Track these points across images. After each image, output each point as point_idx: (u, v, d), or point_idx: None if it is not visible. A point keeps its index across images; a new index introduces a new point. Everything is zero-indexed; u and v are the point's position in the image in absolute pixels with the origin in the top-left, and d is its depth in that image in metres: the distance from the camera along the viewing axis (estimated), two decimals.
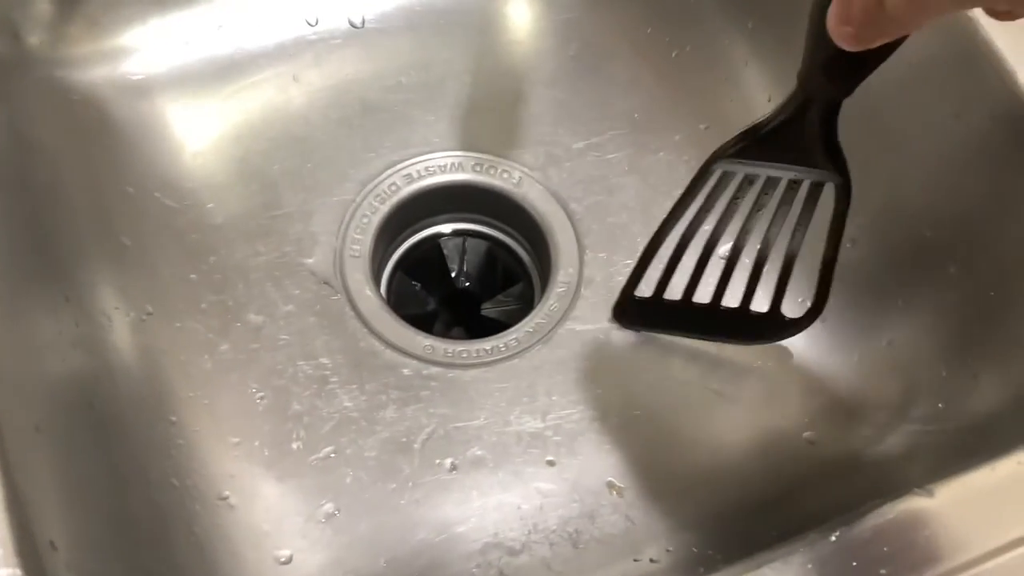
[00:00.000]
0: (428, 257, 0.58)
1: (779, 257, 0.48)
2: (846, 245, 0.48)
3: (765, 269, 0.49)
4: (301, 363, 0.51)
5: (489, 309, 0.58)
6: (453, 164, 0.57)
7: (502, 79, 0.60)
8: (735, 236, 0.49)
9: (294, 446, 0.49)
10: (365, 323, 0.52)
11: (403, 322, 0.53)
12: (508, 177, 0.57)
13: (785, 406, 0.51)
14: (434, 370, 0.52)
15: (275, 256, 0.54)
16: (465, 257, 0.59)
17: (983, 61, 0.46)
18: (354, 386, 0.51)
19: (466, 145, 0.57)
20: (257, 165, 0.56)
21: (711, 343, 0.53)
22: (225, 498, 0.48)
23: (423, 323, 0.55)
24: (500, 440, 0.50)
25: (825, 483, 0.48)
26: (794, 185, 0.46)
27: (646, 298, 0.51)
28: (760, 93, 0.57)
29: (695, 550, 0.47)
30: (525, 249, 0.58)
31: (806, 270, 0.49)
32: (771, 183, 0.46)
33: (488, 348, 0.52)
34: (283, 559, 0.47)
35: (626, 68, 0.60)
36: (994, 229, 0.48)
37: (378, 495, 0.48)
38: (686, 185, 0.47)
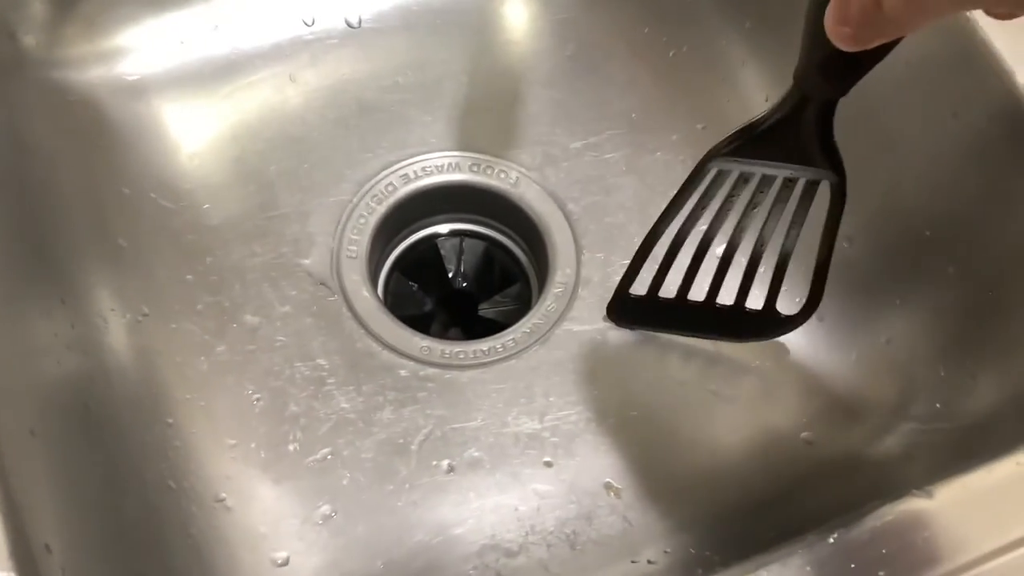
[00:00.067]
0: (425, 258, 0.58)
1: (774, 255, 0.48)
2: (844, 244, 0.48)
3: (760, 267, 0.49)
4: (298, 364, 0.51)
5: (486, 310, 0.57)
6: (450, 164, 0.57)
7: (499, 79, 0.60)
8: (730, 234, 0.48)
9: (291, 448, 0.49)
10: (362, 324, 0.52)
11: (400, 323, 0.53)
12: (505, 177, 0.57)
13: (783, 406, 0.51)
14: (431, 371, 0.51)
15: (272, 257, 0.54)
16: (462, 257, 0.59)
17: (981, 60, 0.46)
18: (351, 387, 0.51)
19: (463, 145, 0.57)
20: (253, 166, 0.56)
21: (708, 343, 0.53)
22: (222, 500, 0.48)
23: (420, 324, 0.55)
24: (497, 441, 0.50)
25: (823, 483, 0.48)
26: (789, 183, 0.46)
27: (641, 296, 0.51)
28: (758, 93, 0.57)
29: (693, 551, 0.47)
30: (522, 249, 0.58)
31: (802, 268, 0.48)
32: (766, 181, 0.46)
33: (485, 349, 0.52)
34: (280, 561, 0.47)
35: (623, 68, 0.60)
36: (992, 228, 0.48)
37: (375, 497, 0.48)
38: (681, 183, 0.47)
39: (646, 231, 0.49)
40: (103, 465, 0.46)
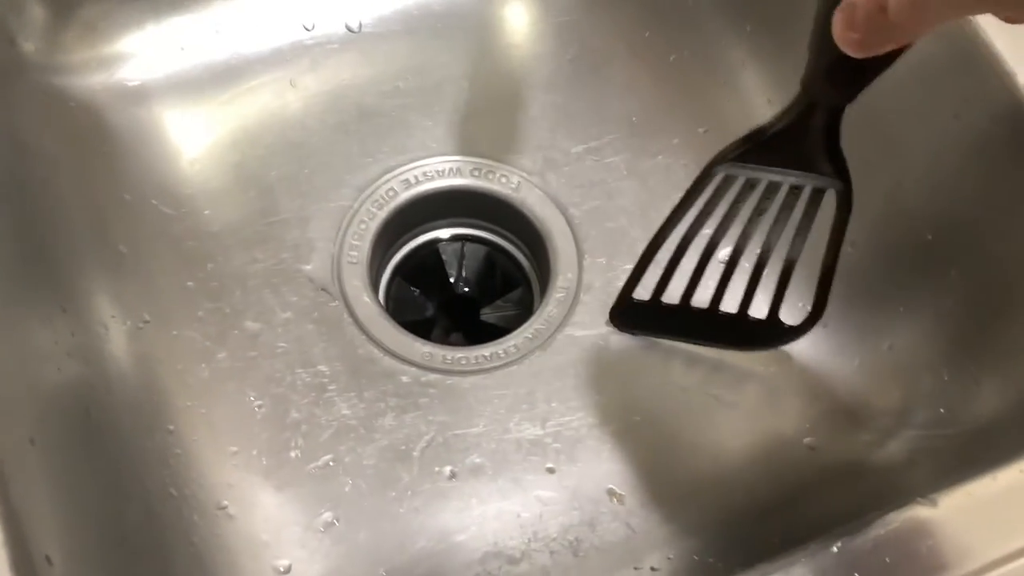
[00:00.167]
0: (426, 263, 0.58)
1: (779, 263, 0.48)
2: (847, 248, 0.48)
3: (764, 275, 0.49)
4: (299, 371, 0.51)
5: (488, 314, 0.57)
6: (451, 169, 0.57)
7: (500, 83, 0.60)
8: (735, 241, 0.48)
9: (292, 455, 0.49)
10: (363, 330, 0.52)
11: (401, 329, 0.52)
12: (506, 182, 0.57)
13: (786, 412, 0.51)
14: (433, 377, 0.51)
15: (272, 263, 0.53)
16: (464, 262, 0.58)
17: (983, 62, 0.46)
18: (352, 394, 0.51)
19: (464, 150, 0.57)
20: (254, 171, 0.56)
21: (711, 348, 0.52)
22: (223, 508, 0.48)
23: (422, 329, 0.55)
24: (499, 447, 0.50)
25: (827, 489, 0.48)
26: (795, 190, 0.46)
27: (644, 301, 0.51)
28: (759, 96, 0.57)
29: (696, 558, 0.47)
30: (524, 254, 0.58)
31: (806, 276, 0.48)
32: (772, 188, 0.46)
33: (487, 355, 0.52)
34: (282, 569, 0.47)
35: (624, 71, 0.60)
36: (995, 231, 0.48)
37: (377, 504, 0.48)
38: (687, 188, 0.47)
39: (648, 235, 0.49)
40: (104, 473, 0.46)
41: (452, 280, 0.58)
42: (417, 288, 0.58)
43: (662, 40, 0.60)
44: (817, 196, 0.46)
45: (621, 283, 0.52)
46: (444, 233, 0.58)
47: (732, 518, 0.48)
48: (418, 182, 0.56)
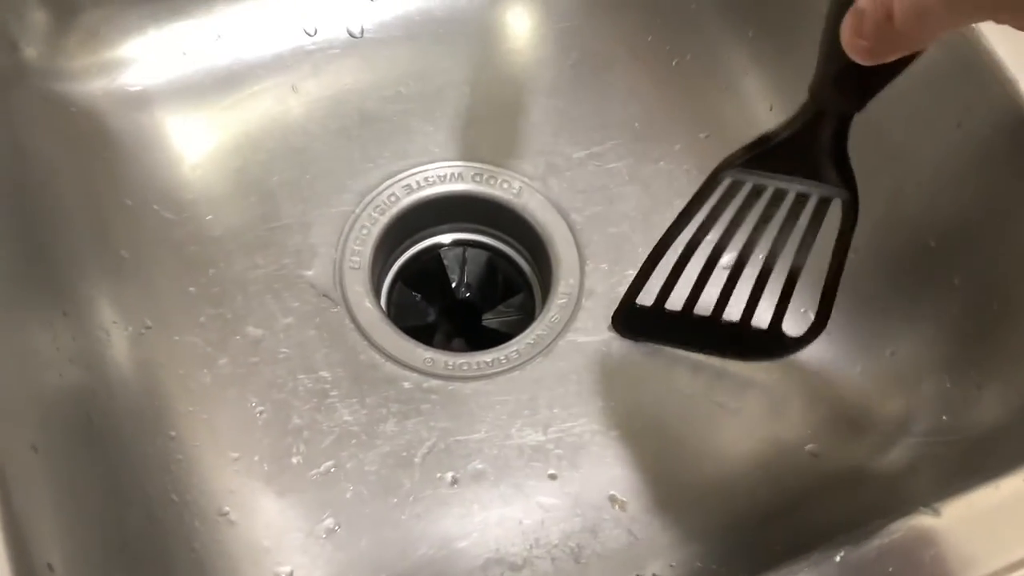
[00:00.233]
0: (428, 268, 0.58)
1: (783, 273, 0.48)
2: (848, 254, 0.48)
3: (768, 284, 0.49)
4: (301, 376, 0.51)
5: (490, 320, 0.57)
6: (453, 174, 0.57)
7: (501, 88, 0.60)
8: (739, 249, 0.48)
9: (294, 460, 0.49)
10: (365, 335, 0.52)
11: (403, 334, 0.52)
12: (508, 187, 0.57)
13: (788, 418, 0.51)
14: (434, 383, 0.51)
15: (274, 268, 0.53)
16: (465, 267, 0.58)
17: (984, 70, 0.46)
18: (354, 399, 0.50)
19: (466, 155, 0.57)
20: (256, 176, 0.56)
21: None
22: (225, 514, 0.47)
23: (424, 334, 0.55)
24: (501, 454, 0.50)
25: (829, 496, 0.48)
26: (802, 199, 0.45)
27: (646, 307, 0.51)
28: (761, 102, 0.57)
29: (699, 565, 0.47)
30: (526, 259, 0.58)
31: (809, 286, 0.48)
32: (778, 195, 0.45)
33: (489, 360, 0.52)
34: (283, 575, 0.47)
35: (626, 77, 0.60)
36: (997, 238, 0.48)
37: (379, 510, 0.48)
38: (693, 193, 0.47)
39: (650, 241, 0.49)
40: (105, 479, 0.46)
41: (454, 285, 0.58)
42: (419, 293, 0.58)
43: (664, 45, 0.60)
44: (823, 205, 0.45)
45: (623, 289, 0.52)
46: (446, 238, 0.58)
47: (735, 525, 0.48)
48: (420, 187, 0.56)
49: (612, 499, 0.49)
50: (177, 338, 0.51)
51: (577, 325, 0.53)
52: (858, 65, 0.35)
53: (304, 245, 0.54)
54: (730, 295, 0.49)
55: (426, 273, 0.58)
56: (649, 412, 0.51)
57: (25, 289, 0.48)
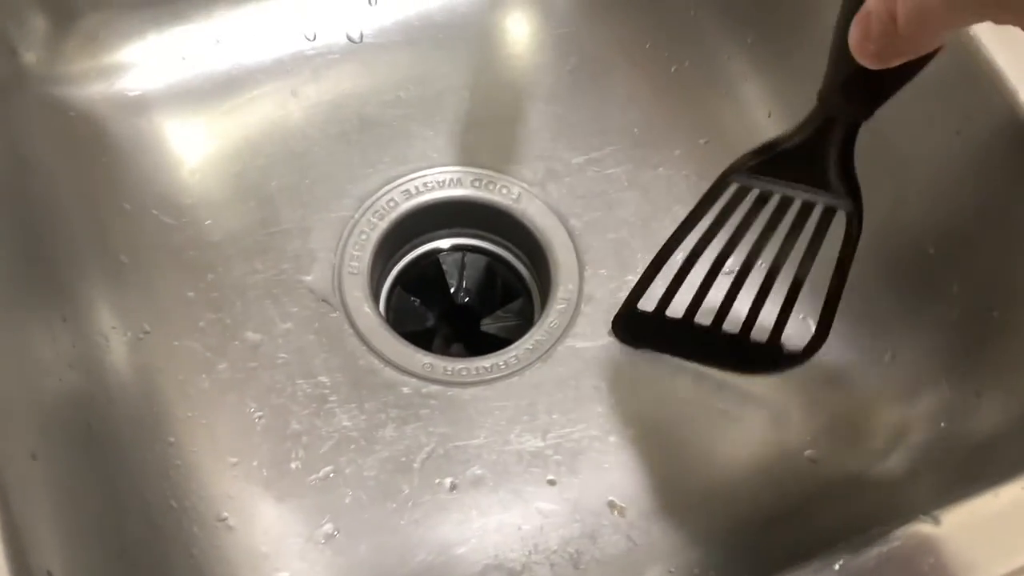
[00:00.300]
0: (427, 273, 0.58)
1: (785, 284, 0.48)
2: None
3: (770, 297, 0.48)
4: (300, 382, 0.51)
5: (489, 325, 0.57)
6: (452, 179, 0.57)
7: (501, 94, 0.60)
8: (743, 258, 0.48)
9: (293, 466, 0.49)
10: (364, 341, 0.52)
11: (402, 340, 0.52)
12: (507, 192, 0.57)
13: (786, 424, 0.51)
14: (433, 388, 0.51)
15: (273, 273, 0.53)
16: (464, 273, 0.58)
17: (984, 78, 0.46)
18: (353, 405, 0.50)
19: (465, 160, 0.57)
20: (255, 181, 0.56)
21: None
22: (224, 519, 0.47)
23: (422, 339, 0.55)
24: (500, 459, 0.50)
25: (828, 502, 0.48)
26: (807, 208, 0.45)
27: (647, 312, 0.51)
28: (760, 108, 0.57)
29: (697, 571, 0.47)
30: (525, 264, 0.58)
31: (810, 299, 0.48)
32: (784, 204, 0.45)
33: (488, 366, 0.52)
34: None
35: (625, 82, 0.60)
36: (997, 246, 0.48)
37: (378, 515, 0.48)
38: (692, 198, 0.47)
39: (649, 246, 0.49)
40: (104, 485, 0.46)
41: (452, 291, 0.58)
42: (418, 299, 0.58)
43: (663, 51, 0.60)
44: (828, 216, 0.45)
45: (622, 295, 0.52)
46: (445, 243, 0.58)
47: (734, 531, 0.48)
48: (419, 192, 0.56)
49: (611, 505, 0.49)
50: (176, 343, 0.51)
51: (576, 331, 0.53)
52: (866, 71, 0.35)
53: (303, 250, 0.54)
54: (731, 305, 0.49)
55: (425, 278, 0.58)
56: (648, 418, 0.51)
57: (24, 294, 0.48)
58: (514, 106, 0.59)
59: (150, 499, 0.47)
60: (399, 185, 0.56)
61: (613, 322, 0.53)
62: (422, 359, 0.52)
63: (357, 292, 0.53)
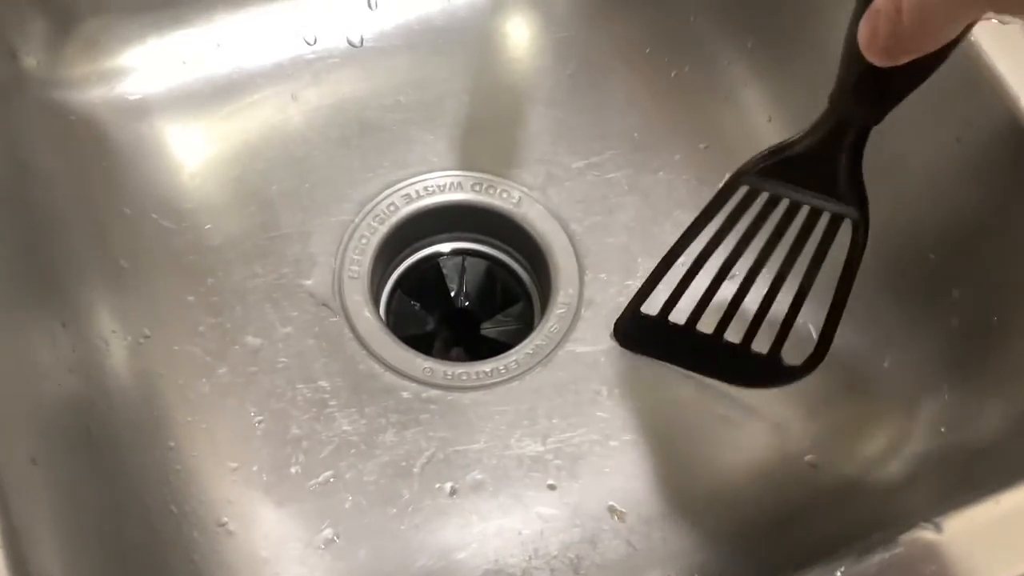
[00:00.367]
0: (427, 277, 0.58)
1: (788, 294, 0.47)
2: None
3: (773, 307, 0.48)
4: (300, 386, 0.51)
5: (489, 329, 0.57)
6: (452, 184, 0.57)
7: (501, 98, 0.60)
8: (748, 265, 0.48)
9: (293, 471, 0.49)
10: (364, 345, 0.52)
11: (402, 344, 0.52)
12: (507, 197, 0.57)
13: (786, 429, 0.51)
14: (433, 393, 0.51)
15: (273, 278, 0.53)
16: (464, 277, 0.58)
17: (984, 84, 0.46)
18: (353, 409, 0.50)
19: (465, 164, 0.57)
20: (255, 185, 0.56)
21: None
22: (223, 524, 0.47)
23: (422, 343, 0.55)
24: (500, 464, 0.50)
25: (828, 508, 0.48)
26: (814, 215, 0.45)
27: (650, 316, 0.51)
28: (760, 113, 0.57)
29: None
30: (525, 269, 0.58)
31: (812, 311, 0.48)
32: (792, 209, 0.45)
33: (488, 370, 0.52)
34: None
35: (625, 87, 0.60)
36: (997, 251, 0.48)
37: (378, 520, 0.48)
38: (693, 203, 0.47)
39: (649, 251, 0.49)
40: (104, 490, 0.46)
41: (453, 295, 0.58)
42: (418, 302, 0.58)
43: (663, 56, 0.60)
44: (835, 225, 0.45)
45: (622, 299, 0.52)
46: (445, 248, 0.58)
47: (735, 536, 0.48)
48: (419, 197, 0.56)
49: (611, 510, 0.49)
50: (176, 347, 0.51)
51: (576, 335, 0.53)
52: (877, 72, 0.35)
53: (303, 254, 0.54)
54: (734, 313, 0.49)
55: (425, 282, 0.58)
56: (648, 423, 0.51)
57: (24, 298, 0.48)
58: (514, 110, 0.59)
59: (150, 504, 0.47)
60: (399, 189, 0.56)
61: (615, 326, 0.52)
62: (422, 363, 0.52)
63: (357, 296, 0.53)
